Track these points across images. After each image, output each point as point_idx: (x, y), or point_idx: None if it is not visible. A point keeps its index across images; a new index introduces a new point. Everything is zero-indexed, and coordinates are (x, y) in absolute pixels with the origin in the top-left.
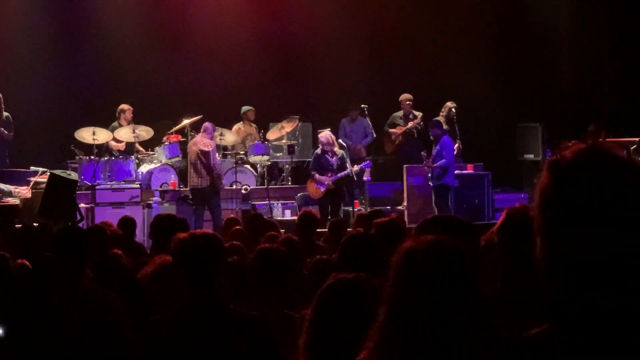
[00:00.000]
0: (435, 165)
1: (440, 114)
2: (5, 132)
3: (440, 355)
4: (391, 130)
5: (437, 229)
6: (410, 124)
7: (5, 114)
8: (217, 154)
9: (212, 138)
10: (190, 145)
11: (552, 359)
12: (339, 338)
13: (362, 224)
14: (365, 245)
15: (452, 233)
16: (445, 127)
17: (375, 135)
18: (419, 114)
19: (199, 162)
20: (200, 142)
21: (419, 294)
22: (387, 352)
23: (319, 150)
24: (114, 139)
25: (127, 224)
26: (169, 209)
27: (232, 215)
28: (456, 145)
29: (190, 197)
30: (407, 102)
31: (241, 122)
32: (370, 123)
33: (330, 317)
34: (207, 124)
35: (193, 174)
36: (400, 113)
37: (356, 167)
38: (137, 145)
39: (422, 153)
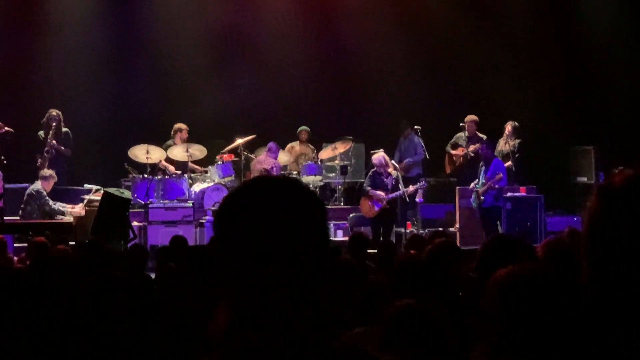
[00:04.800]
0: (497, 186)
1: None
2: (63, 148)
3: None
4: (452, 151)
5: (504, 252)
6: (471, 147)
7: (64, 129)
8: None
9: (276, 158)
10: (254, 164)
11: None
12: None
13: (417, 245)
14: (417, 271)
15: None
16: (507, 147)
17: (427, 156)
18: (483, 137)
19: None
20: (265, 161)
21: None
22: None
23: (372, 171)
24: (167, 158)
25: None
26: None
27: None
28: (507, 164)
29: None
30: (472, 124)
31: (297, 141)
32: (422, 143)
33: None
34: (271, 144)
35: None
36: (464, 134)
37: (412, 188)
38: (190, 164)
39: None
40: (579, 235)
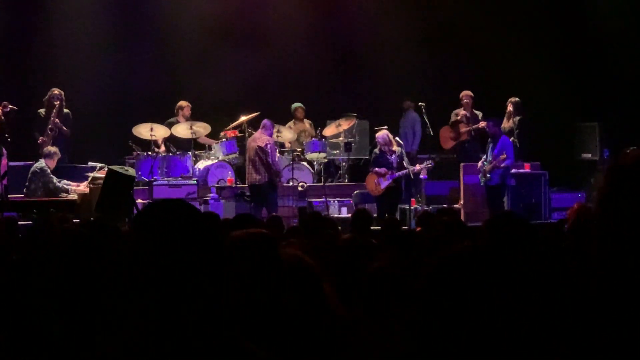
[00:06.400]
0: (502, 165)
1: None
2: (64, 128)
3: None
4: (459, 120)
5: (506, 228)
6: (482, 124)
7: (65, 111)
8: (276, 150)
9: (271, 135)
10: (250, 142)
11: None
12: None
13: (426, 222)
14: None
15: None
16: (510, 123)
17: (432, 133)
18: (478, 113)
19: (257, 158)
20: (259, 138)
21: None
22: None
23: (377, 150)
24: (171, 135)
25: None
26: (226, 205)
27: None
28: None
29: (248, 193)
30: (467, 99)
31: (293, 120)
32: (426, 120)
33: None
34: (266, 121)
35: (252, 170)
36: (460, 110)
37: (418, 167)
38: (205, 137)
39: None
40: (588, 210)
